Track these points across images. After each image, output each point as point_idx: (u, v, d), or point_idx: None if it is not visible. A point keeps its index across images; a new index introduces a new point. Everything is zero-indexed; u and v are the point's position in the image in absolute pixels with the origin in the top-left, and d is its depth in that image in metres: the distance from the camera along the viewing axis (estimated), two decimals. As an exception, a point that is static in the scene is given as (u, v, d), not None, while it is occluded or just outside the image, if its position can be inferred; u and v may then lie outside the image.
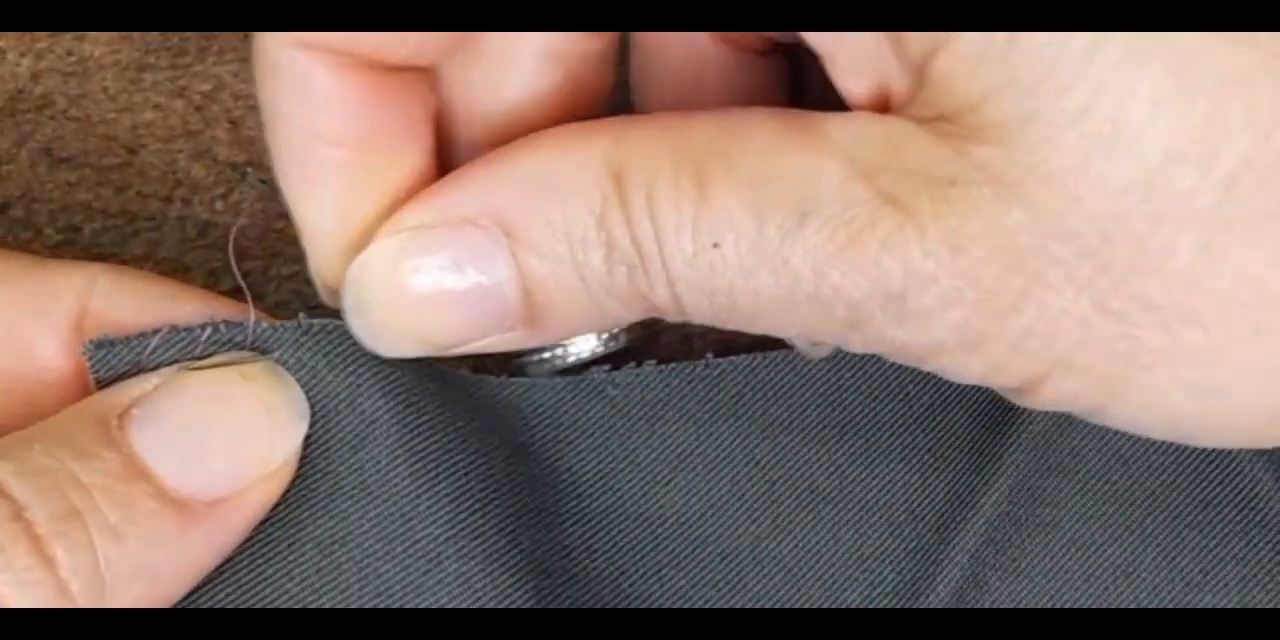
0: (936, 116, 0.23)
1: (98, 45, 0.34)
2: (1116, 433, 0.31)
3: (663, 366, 0.32)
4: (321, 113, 0.25)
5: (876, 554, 0.31)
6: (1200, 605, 0.31)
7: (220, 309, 0.28)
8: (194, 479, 0.26)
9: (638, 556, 0.31)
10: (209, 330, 0.27)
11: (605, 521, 0.31)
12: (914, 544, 0.31)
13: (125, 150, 0.34)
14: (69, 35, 0.34)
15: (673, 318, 0.25)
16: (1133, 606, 0.31)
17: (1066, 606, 0.31)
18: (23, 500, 0.24)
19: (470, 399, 0.30)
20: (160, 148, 0.34)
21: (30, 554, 0.24)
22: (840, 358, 0.32)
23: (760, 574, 0.31)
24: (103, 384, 0.28)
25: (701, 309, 0.25)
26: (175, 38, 0.34)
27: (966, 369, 0.24)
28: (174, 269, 0.33)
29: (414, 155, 0.26)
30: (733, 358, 0.32)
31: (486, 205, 0.25)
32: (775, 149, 0.24)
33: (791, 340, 0.30)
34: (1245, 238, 0.22)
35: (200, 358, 0.27)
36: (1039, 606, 0.31)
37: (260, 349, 0.28)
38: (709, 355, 0.32)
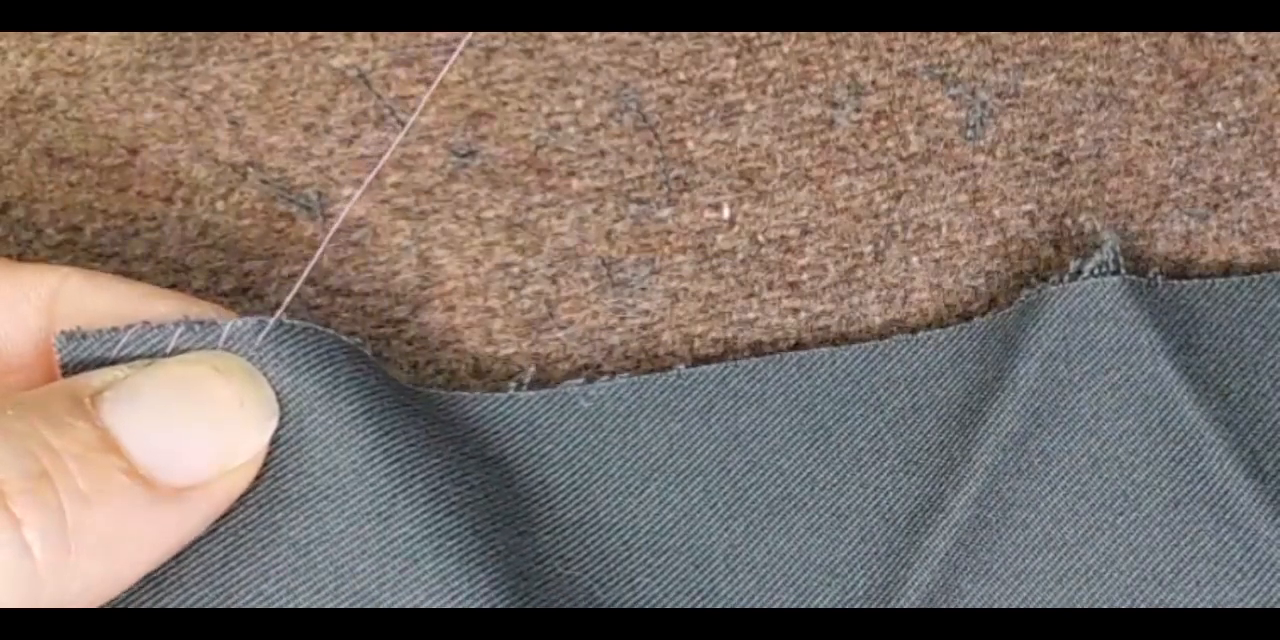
0: None
1: (98, 45, 0.34)
2: (1088, 434, 0.32)
3: (635, 378, 0.32)
4: None
5: (848, 559, 0.31)
6: (1173, 604, 0.31)
7: (195, 309, 0.28)
8: (164, 463, 0.26)
9: (611, 565, 0.31)
10: (181, 328, 0.28)
11: (579, 531, 0.31)
12: (885, 548, 0.32)
13: (126, 150, 0.34)
14: (70, 35, 0.34)
15: None
16: (1105, 607, 0.31)
17: (1038, 607, 0.31)
18: None
19: (442, 413, 0.30)
20: (161, 148, 0.34)
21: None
22: (811, 364, 0.33)
23: (733, 581, 0.31)
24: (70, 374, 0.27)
25: None
26: (176, 38, 0.34)
27: None
28: (174, 269, 0.33)
29: None
30: (704, 367, 0.32)
31: None
32: None
33: None
34: None
35: (175, 353, 0.27)
36: (1011, 608, 0.31)
37: (236, 349, 0.28)
38: (680, 366, 0.32)
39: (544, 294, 0.34)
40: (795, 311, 0.34)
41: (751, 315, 0.34)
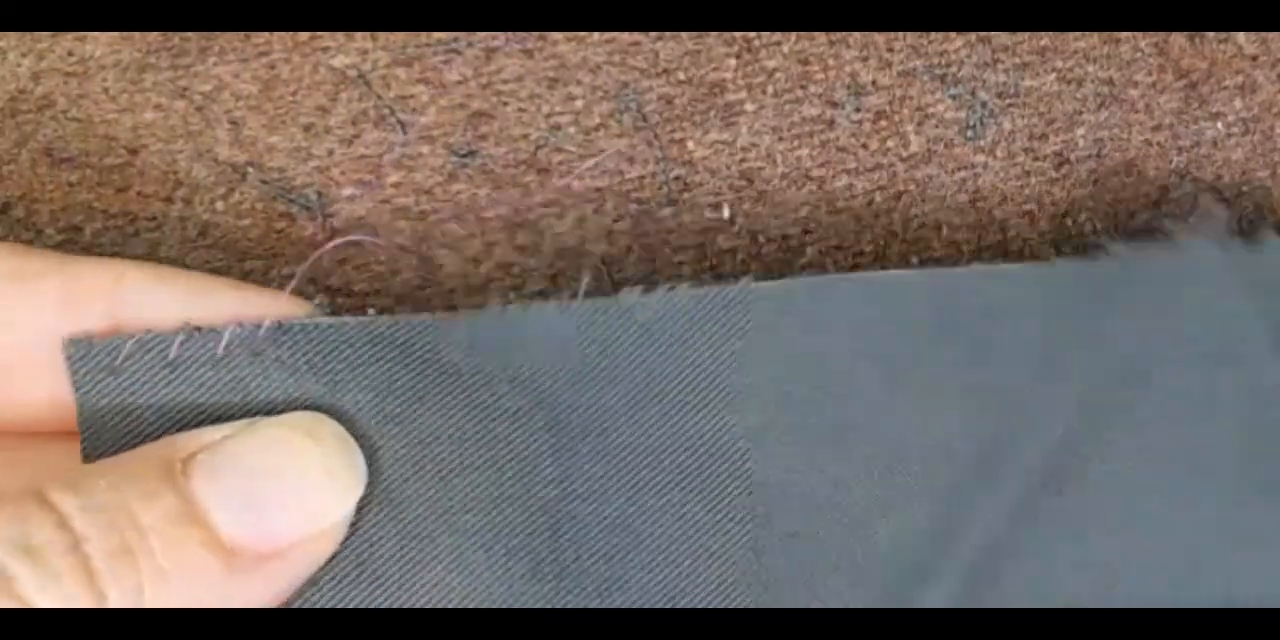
0: None
1: (99, 45, 0.34)
2: (1173, 398, 0.30)
3: (695, 291, 0.30)
4: None
5: (907, 494, 0.30)
6: (1254, 568, 0.30)
7: (253, 298, 0.29)
8: (248, 530, 0.26)
9: (660, 493, 0.30)
10: (181, 336, 0.28)
11: (630, 456, 0.30)
12: (948, 485, 0.30)
13: (126, 150, 0.34)
14: (70, 35, 0.34)
15: None
16: (1175, 566, 0.30)
17: (1106, 563, 0.30)
18: (83, 533, 0.25)
19: (478, 350, 0.29)
20: (161, 148, 0.34)
21: (86, 587, 0.25)
22: (879, 286, 0.31)
23: (786, 508, 0.30)
24: (78, 382, 0.28)
25: None
26: (176, 38, 0.34)
27: None
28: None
29: None
30: (769, 283, 0.30)
31: None
32: None
33: None
34: None
35: (203, 369, 0.28)
36: (1080, 562, 0.30)
37: (238, 355, 0.28)
38: (748, 277, 0.31)
39: (544, 293, 0.34)
40: (795, 311, 0.34)
41: (751, 315, 0.34)
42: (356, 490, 0.28)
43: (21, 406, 0.29)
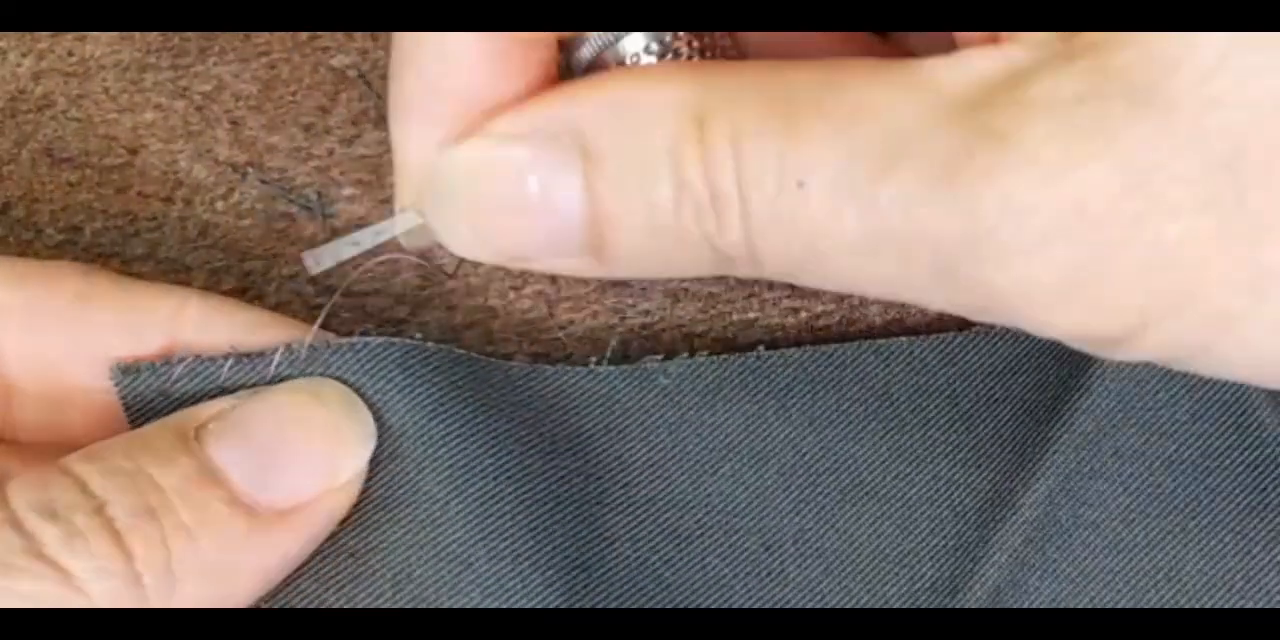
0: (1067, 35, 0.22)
1: (98, 46, 0.34)
2: (1163, 436, 0.31)
3: (715, 357, 0.32)
4: (452, 74, 0.26)
5: (917, 550, 0.31)
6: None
7: (292, 331, 0.30)
8: (264, 489, 0.27)
9: (682, 544, 0.31)
10: (231, 360, 0.29)
11: (653, 509, 0.31)
12: (955, 541, 0.31)
13: (126, 150, 0.34)
14: (70, 36, 0.34)
15: (742, 271, 0.24)
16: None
17: (1106, 608, 0.31)
18: (103, 496, 0.26)
19: (514, 392, 0.30)
20: (161, 148, 0.34)
21: (112, 545, 0.25)
22: (889, 353, 0.32)
23: (802, 566, 0.31)
24: (131, 409, 0.29)
25: (777, 256, 0.24)
26: (176, 38, 0.34)
27: (1056, 319, 0.22)
28: (175, 269, 0.33)
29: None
30: (784, 350, 0.32)
31: (569, 123, 0.25)
32: (870, 86, 0.23)
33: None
34: None
35: (278, 380, 0.29)
36: (1078, 608, 0.31)
37: (287, 376, 0.29)
38: (760, 347, 0.32)
39: (544, 294, 0.34)
40: (795, 311, 0.34)
41: (751, 315, 0.34)
42: (367, 447, 0.29)
43: (80, 423, 0.29)
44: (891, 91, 0.22)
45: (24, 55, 0.34)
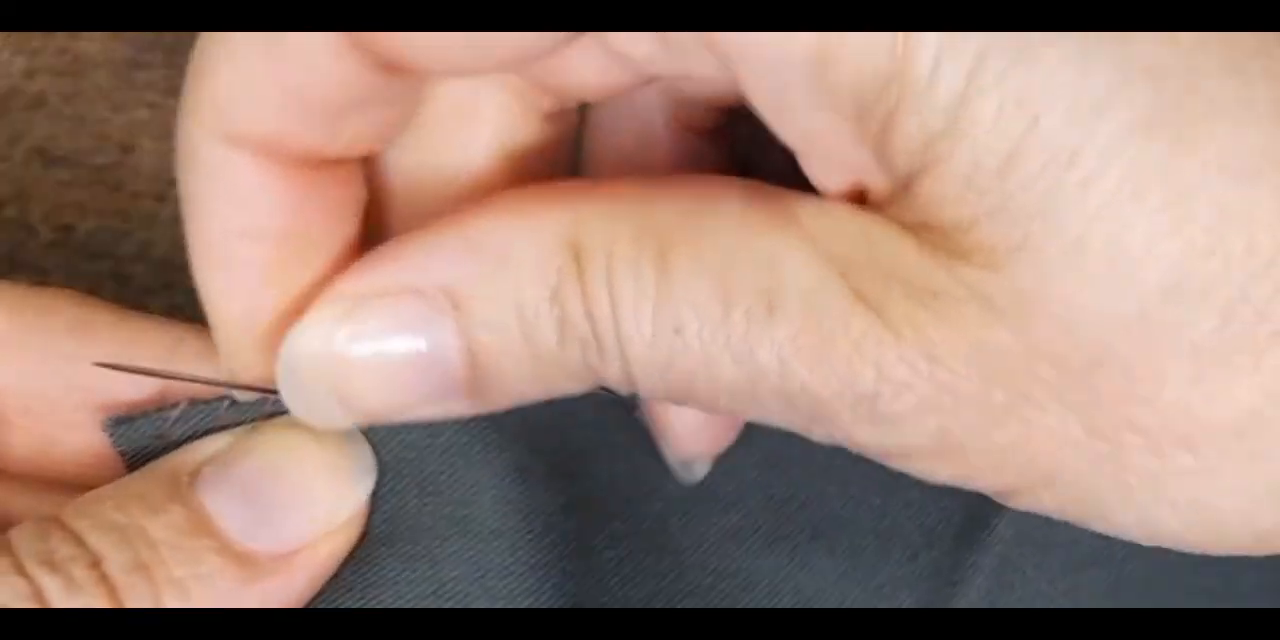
0: (920, 225, 0.22)
1: (92, 43, 0.34)
2: None
3: None
4: (244, 208, 0.25)
5: (894, 580, 0.31)
6: None
7: None
8: (259, 534, 0.26)
9: (664, 584, 0.31)
10: (228, 403, 0.28)
11: (635, 547, 0.31)
12: (931, 567, 0.31)
13: (119, 149, 0.34)
14: (63, 34, 0.34)
15: (626, 391, 0.25)
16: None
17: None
18: (99, 551, 0.25)
19: (510, 422, 0.30)
20: (154, 147, 0.34)
21: (108, 600, 0.25)
22: None
23: (779, 604, 0.31)
24: (129, 458, 0.28)
25: (657, 391, 0.24)
26: (169, 36, 0.34)
27: (937, 474, 0.23)
28: (167, 268, 0.33)
29: (339, 246, 0.26)
30: None
31: (432, 274, 0.24)
32: (743, 228, 0.23)
33: (668, 457, 0.30)
34: (1239, 369, 0.21)
35: (273, 414, 0.28)
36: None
37: (280, 413, 0.28)
38: None
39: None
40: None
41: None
42: (365, 484, 0.28)
43: (70, 455, 0.29)
44: (764, 240, 0.22)
45: (17, 53, 0.34)
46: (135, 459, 0.28)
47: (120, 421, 0.28)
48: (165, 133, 0.34)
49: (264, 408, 0.28)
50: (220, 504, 0.26)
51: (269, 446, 0.27)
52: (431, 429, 0.29)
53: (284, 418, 0.28)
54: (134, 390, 0.28)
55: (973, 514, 0.31)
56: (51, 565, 0.25)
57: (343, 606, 0.28)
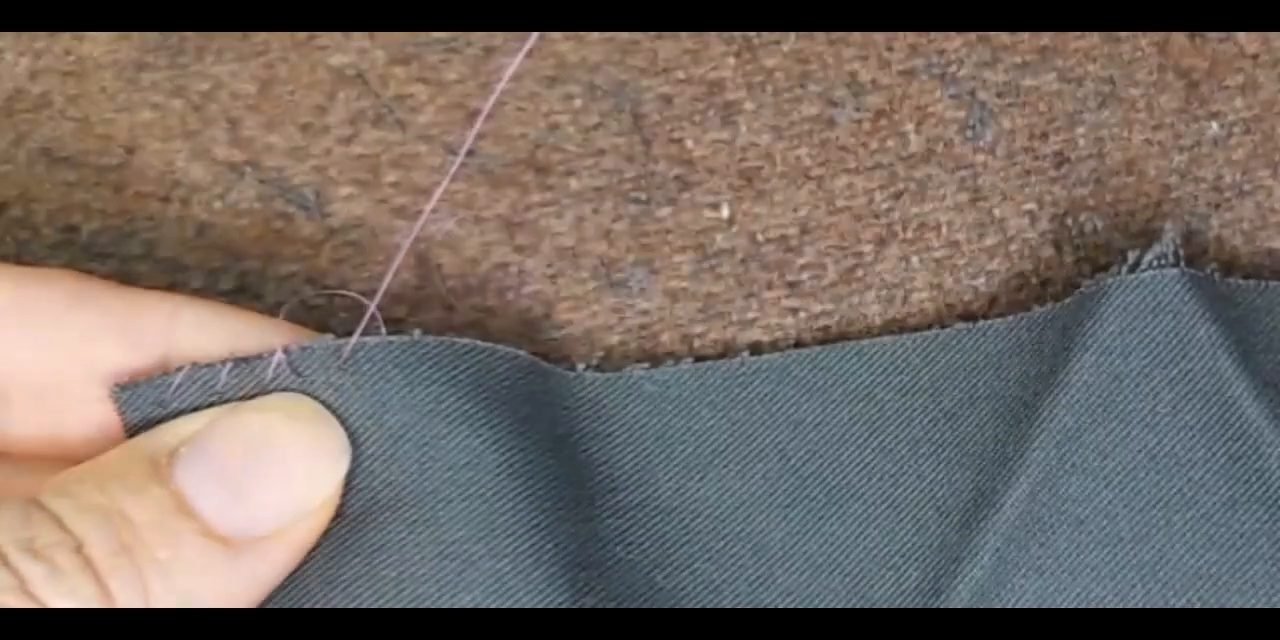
0: None
1: (96, 45, 0.34)
2: (1145, 430, 0.31)
3: (698, 364, 0.32)
4: None
5: (903, 551, 0.31)
6: (1227, 605, 0.30)
7: (305, 336, 0.29)
8: (237, 517, 0.27)
9: (671, 549, 0.31)
10: (229, 365, 0.28)
11: (641, 514, 0.31)
12: (939, 541, 0.31)
13: (123, 150, 0.34)
14: (67, 35, 0.34)
15: None
16: (1159, 605, 0.31)
17: (1091, 605, 0.31)
18: (81, 535, 0.25)
19: (515, 387, 0.30)
20: (158, 147, 0.34)
21: (93, 585, 0.25)
22: (871, 354, 0.32)
23: (789, 569, 0.31)
24: (131, 426, 0.28)
25: None
26: (174, 37, 0.34)
27: None
28: (172, 269, 0.33)
29: None
30: (767, 356, 0.32)
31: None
32: None
33: None
34: None
35: (249, 396, 0.28)
36: (1063, 604, 0.31)
37: (287, 380, 0.28)
38: (744, 354, 0.32)
39: (542, 294, 0.34)
40: (795, 311, 0.34)
41: (751, 315, 0.34)
42: (341, 464, 0.28)
43: (75, 434, 0.29)
44: None
45: (21, 54, 0.34)
46: (135, 430, 0.28)
47: (125, 388, 0.28)
48: (169, 134, 0.34)
49: (266, 373, 0.28)
50: (197, 487, 0.27)
51: (245, 429, 0.28)
52: (436, 394, 0.29)
53: (260, 399, 0.28)
54: (138, 359, 0.29)
55: (983, 490, 0.31)
56: (35, 553, 0.25)
57: (348, 571, 0.28)
